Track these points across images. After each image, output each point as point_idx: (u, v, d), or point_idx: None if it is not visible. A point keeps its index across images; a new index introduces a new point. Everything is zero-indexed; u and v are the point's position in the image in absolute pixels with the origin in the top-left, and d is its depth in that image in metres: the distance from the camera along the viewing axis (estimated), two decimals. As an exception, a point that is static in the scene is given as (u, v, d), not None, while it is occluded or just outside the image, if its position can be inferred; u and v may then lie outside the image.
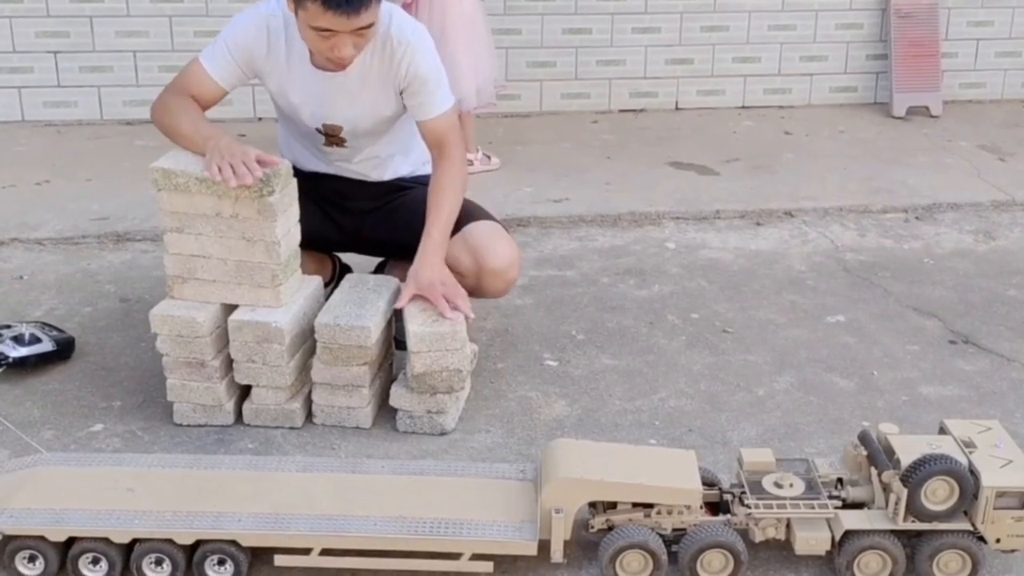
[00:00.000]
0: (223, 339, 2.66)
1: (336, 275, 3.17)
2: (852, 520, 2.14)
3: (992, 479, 2.09)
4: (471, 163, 4.59)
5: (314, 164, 3.00)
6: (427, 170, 3.10)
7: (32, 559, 2.12)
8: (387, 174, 3.03)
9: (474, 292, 2.87)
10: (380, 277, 2.93)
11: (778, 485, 2.20)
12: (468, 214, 2.93)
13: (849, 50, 5.79)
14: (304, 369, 2.72)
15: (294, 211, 2.69)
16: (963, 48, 5.86)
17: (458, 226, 2.87)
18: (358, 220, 3.03)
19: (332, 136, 2.90)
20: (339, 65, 2.70)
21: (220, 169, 2.50)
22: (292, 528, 2.12)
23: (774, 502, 2.16)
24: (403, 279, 2.99)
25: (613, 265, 3.80)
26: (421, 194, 2.93)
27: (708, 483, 2.24)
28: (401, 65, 2.75)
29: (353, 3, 2.51)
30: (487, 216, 2.99)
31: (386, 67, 2.77)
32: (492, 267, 2.86)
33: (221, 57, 2.76)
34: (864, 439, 2.26)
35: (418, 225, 2.86)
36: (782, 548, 2.22)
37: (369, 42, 2.67)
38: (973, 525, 2.12)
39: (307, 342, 2.72)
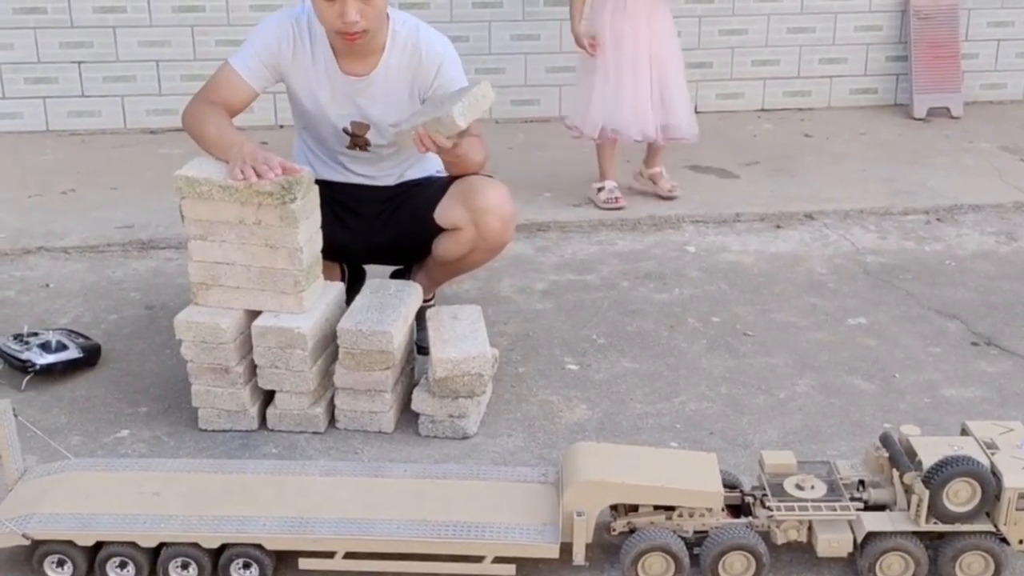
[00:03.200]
0: (247, 345, 2.68)
1: (346, 283, 3.19)
2: (874, 522, 2.14)
3: (1014, 480, 2.09)
4: (600, 189, 4.30)
5: (329, 172, 3.04)
6: (440, 176, 3.13)
7: (60, 563, 2.15)
8: (400, 179, 3.07)
9: (479, 246, 2.92)
10: (402, 282, 2.95)
11: (800, 487, 2.20)
12: (457, 178, 2.98)
13: (869, 52, 5.77)
14: (327, 374, 2.74)
15: (316, 218, 2.72)
16: (983, 49, 5.83)
17: (447, 188, 2.94)
18: (369, 223, 3.06)
19: (358, 136, 2.94)
20: (350, 37, 2.73)
21: (242, 171, 2.54)
22: (316, 531, 2.14)
23: (796, 504, 2.17)
24: (425, 285, 3.02)
25: (633, 269, 3.80)
26: (427, 186, 2.98)
27: (729, 485, 2.25)
28: (429, 74, 2.84)
29: None
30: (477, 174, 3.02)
31: (412, 75, 2.84)
32: (482, 206, 2.88)
33: (251, 59, 2.84)
34: (886, 441, 2.26)
35: (419, 215, 2.92)
36: (804, 550, 2.23)
37: (376, 16, 2.72)
38: (995, 526, 2.12)
39: (330, 347, 2.74)
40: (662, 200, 4.36)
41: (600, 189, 4.31)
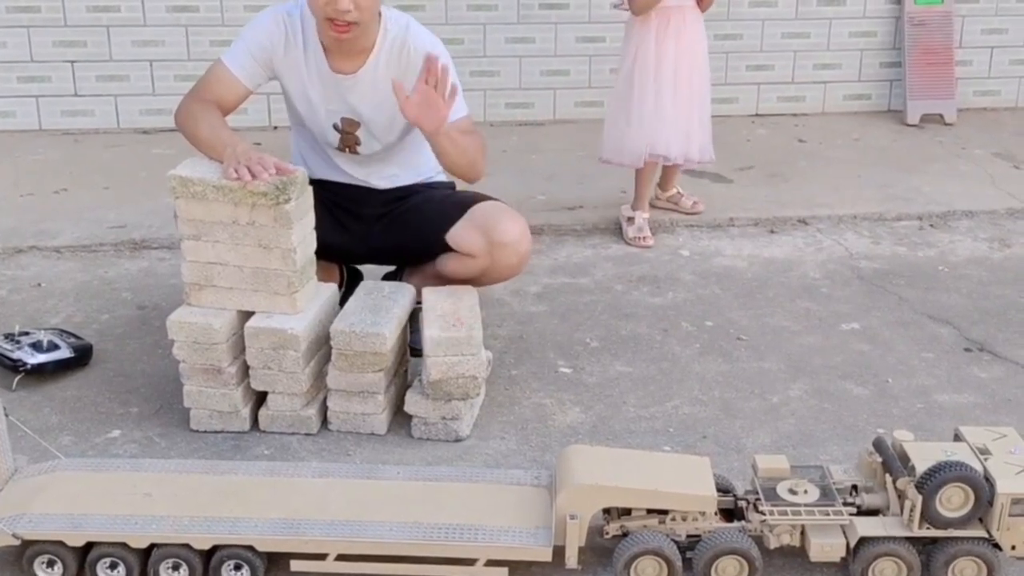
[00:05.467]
0: (239, 346, 2.68)
1: (344, 284, 3.18)
2: (867, 527, 2.14)
3: (1007, 486, 2.09)
4: (630, 219, 4.08)
5: (326, 171, 3.03)
6: (439, 179, 3.12)
7: (51, 564, 2.14)
8: (394, 183, 3.06)
9: (488, 274, 2.90)
10: (395, 284, 2.94)
11: (793, 492, 2.20)
12: (471, 198, 2.96)
13: (863, 58, 5.78)
14: (320, 376, 2.74)
15: (310, 219, 2.71)
16: (977, 56, 5.84)
17: (463, 209, 2.90)
18: (368, 226, 3.05)
19: (348, 134, 2.93)
20: (339, 28, 2.71)
21: (236, 171, 2.53)
22: (308, 533, 2.14)
23: (789, 509, 2.16)
24: (418, 286, 3.01)
25: (627, 272, 3.80)
26: (429, 196, 2.96)
27: (723, 490, 2.24)
28: (417, 73, 2.79)
29: None
30: (492, 198, 2.99)
31: (400, 74, 2.81)
32: (502, 240, 2.85)
33: (243, 56, 2.82)
34: (879, 446, 2.26)
35: (427, 229, 2.89)
36: (797, 555, 2.23)
37: (368, 10, 2.70)
38: (988, 532, 2.12)
39: (323, 348, 2.74)
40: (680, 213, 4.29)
41: (630, 219, 4.08)
